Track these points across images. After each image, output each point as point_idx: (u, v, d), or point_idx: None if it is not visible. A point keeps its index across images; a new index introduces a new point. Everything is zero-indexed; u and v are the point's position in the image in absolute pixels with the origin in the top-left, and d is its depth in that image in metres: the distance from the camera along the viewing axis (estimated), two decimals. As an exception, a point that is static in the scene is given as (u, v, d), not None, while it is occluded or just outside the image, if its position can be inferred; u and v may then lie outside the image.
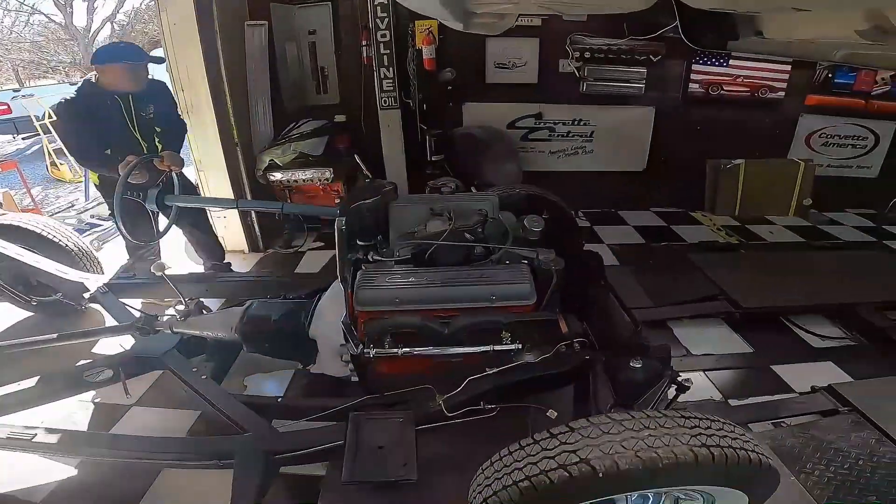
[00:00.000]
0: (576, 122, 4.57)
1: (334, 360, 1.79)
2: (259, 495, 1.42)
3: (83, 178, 4.82)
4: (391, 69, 4.18)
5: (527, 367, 1.61)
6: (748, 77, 4.39)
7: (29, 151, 9.00)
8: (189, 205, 2.83)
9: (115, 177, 2.42)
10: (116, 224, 2.40)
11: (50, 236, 2.69)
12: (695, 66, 4.36)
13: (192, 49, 3.89)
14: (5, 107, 10.55)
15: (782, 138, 4.61)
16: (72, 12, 16.61)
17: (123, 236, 2.36)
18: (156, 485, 1.77)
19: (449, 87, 4.34)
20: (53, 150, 6.85)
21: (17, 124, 10.33)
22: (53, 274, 2.47)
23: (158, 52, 3.48)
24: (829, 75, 4.40)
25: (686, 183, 4.63)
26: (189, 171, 3.16)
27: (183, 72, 4.04)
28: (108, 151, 2.55)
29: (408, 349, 1.62)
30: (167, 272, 2.13)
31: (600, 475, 0.99)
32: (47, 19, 17.41)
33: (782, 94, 4.44)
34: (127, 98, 2.58)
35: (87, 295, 2.54)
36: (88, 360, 2.21)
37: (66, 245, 2.73)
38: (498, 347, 1.63)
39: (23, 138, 10.36)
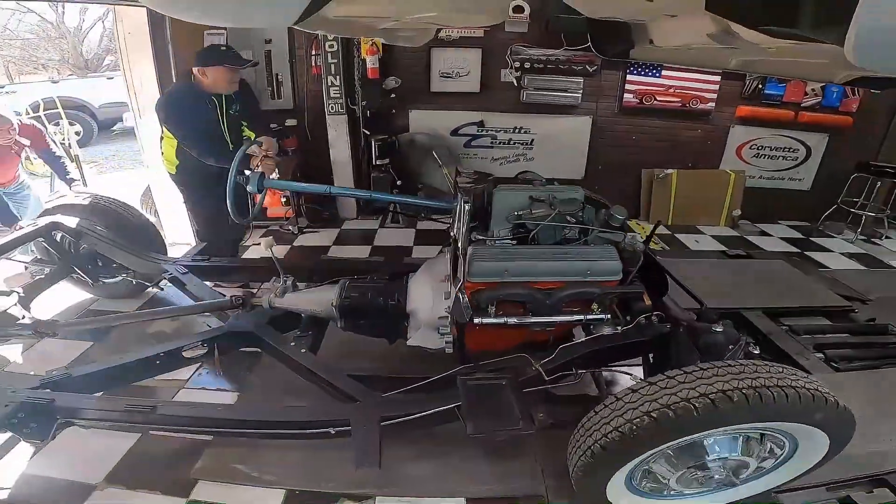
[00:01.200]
0: (517, 130, 4.74)
1: (431, 333, 1.94)
2: (378, 460, 1.49)
3: (49, 174, 4.97)
4: (338, 77, 4.37)
5: (614, 336, 1.80)
6: (679, 87, 4.52)
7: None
8: (285, 187, 3.09)
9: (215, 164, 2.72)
10: (228, 205, 2.42)
11: (127, 217, 2.88)
12: (629, 77, 4.50)
13: (144, 56, 4.12)
14: (-10, 102, 10.67)
15: (714, 149, 4.78)
16: (63, 11, 16.70)
17: (232, 216, 2.43)
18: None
19: (392, 95, 4.50)
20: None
21: (-1, 120, 10.46)
22: (131, 255, 2.64)
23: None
24: (759, 86, 4.53)
25: (622, 191, 4.80)
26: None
27: (137, 77, 4.29)
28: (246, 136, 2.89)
29: (510, 318, 1.77)
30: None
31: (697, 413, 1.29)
32: (39, 18, 17.52)
33: (713, 104, 4.59)
34: (221, 98, 2.82)
35: (166, 275, 2.59)
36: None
37: (140, 226, 2.92)
38: (590, 317, 1.82)
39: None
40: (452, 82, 4.57)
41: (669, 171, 4.66)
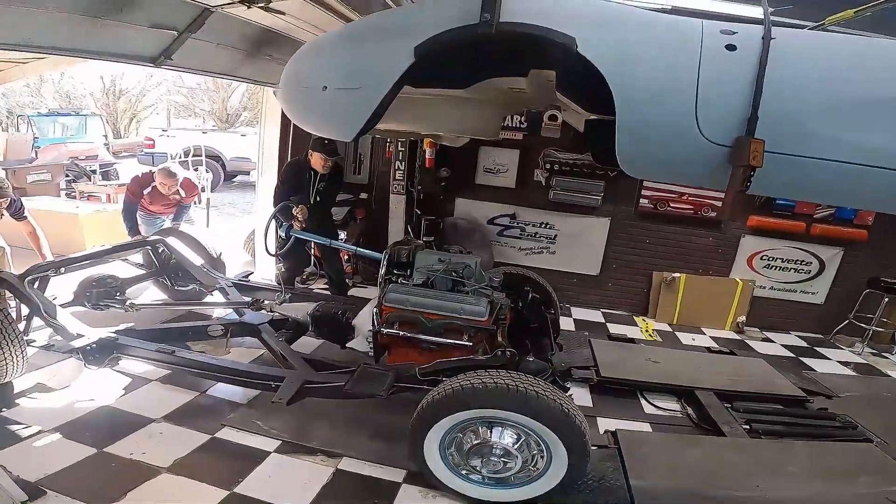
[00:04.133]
0: (543, 226, 5.45)
1: (362, 341, 2.94)
2: (290, 402, 2.46)
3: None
4: (403, 163, 5.50)
5: (474, 359, 2.53)
6: (692, 195, 4.99)
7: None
8: (309, 238, 4.12)
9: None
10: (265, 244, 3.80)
11: (204, 247, 4.25)
12: (646, 183, 5.00)
13: (274, 121, 5.58)
14: (151, 142, 13.50)
15: (726, 256, 5.16)
16: (220, 68, 20.43)
17: (265, 249, 3.74)
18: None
19: (443, 183, 5.51)
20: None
21: (155, 158, 13.18)
22: (200, 271, 3.92)
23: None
24: (771, 197, 4.69)
25: (633, 289, 5.30)
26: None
27: (267, 143, 5.78)
28: (291, 198, 4.00)
29: (404, 332, 2.60)
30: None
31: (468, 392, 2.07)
32: (202, 71, 21.54)
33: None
34: (316, 175, 4.12)
35: (218, 286, 3.81)
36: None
37: (209, 250, 4.28)
38: (458, 342, 2.57)
39: (155, 170, 13.10)
40: (493, 177, 5.46)
41: (677, 275, 5.09)
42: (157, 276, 4.25)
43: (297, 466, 2.46)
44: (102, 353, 2.74)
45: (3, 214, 3.67)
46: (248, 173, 12.50)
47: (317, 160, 4.06)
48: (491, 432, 2.19)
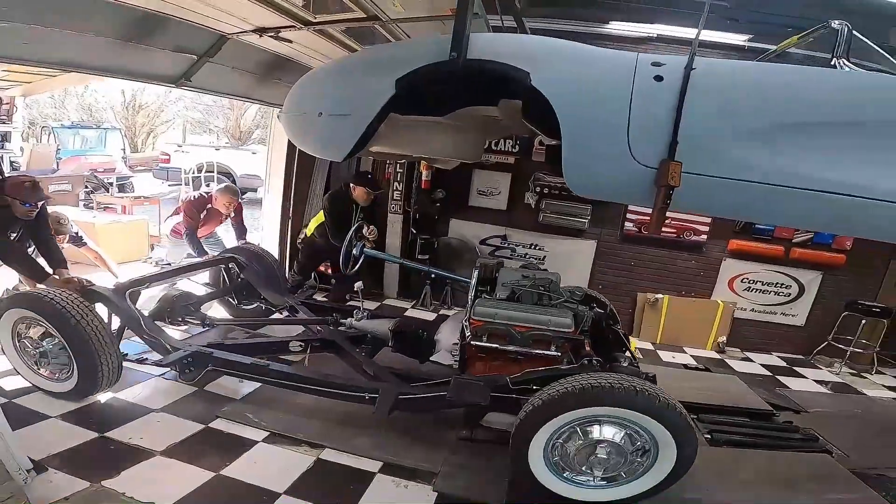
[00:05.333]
0: (532, 247, 5.68)
1: (446, 354, 2.99)
2: (389, 414, 2.58)
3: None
4: (401, 184, 5.81)
5: (562, 368, 2.58)
6: (675, 219, 5.17)
7: (168, 196, 11.94)
8: (379, 257, 4.43)
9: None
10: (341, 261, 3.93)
11: (271, 263, 4.35)
12: (630, 207, 5.16)
13: (282, 146, 5.93)
14: (167, 157, 14.00)
15: (707, 279, 5.36)
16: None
17: (342, 268, 3.86)
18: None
19: (438, 204, 5.79)
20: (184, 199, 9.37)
21: (169, 172, 13.64)
22: (270, 290, 4.01)
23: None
24: (766, 224, 4.88)
25: (619, 309, 5.38)
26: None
27: (274, 162, 6.12)
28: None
29: (495, 345, 2.66)
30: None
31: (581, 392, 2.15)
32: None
33: (705, 237, 5.22)
34: (358, 206, 4.44)
35: (286, 305, 3.91)
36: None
37: (275, 271, 4.36)
38: (546, 352, 2.63)
39: (169, 185, 13.54)
40: (486, 199, 5.73)
41: (661, 296, 5.29)
42: (226, 295, 4.25)
43: (281, 454, 2.66)
44: (198, 367, 2.88)
45: (63, 246, 3.77)
46: (255, 190, 12.90)
47: (360, 193, 4.41)
48: (595, 432, 2.26)
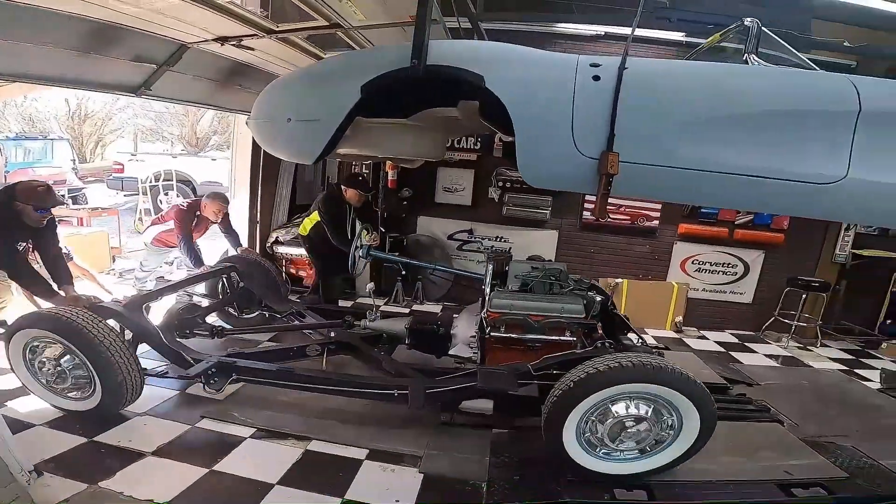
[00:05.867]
0: (498, 239, 5.92)
1: (465, 347, 3.16)
2: (422, 408, 2.76)
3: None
4: (368, 184, 5.93)
5: (577, 352, 2.68)
6: (629, 207, 5.53)
7: (125, 206, 11.57)
8: (387, 258, 4.64)
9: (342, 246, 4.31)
10: (349, 265, 4.16)
11: (269, 269, 4.32)
12: (588, 196, 5.44)
13: (246, 151, 5.94)
14: (120, 166, 13.51)
15: (662, 262, 5.72)
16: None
17: (350, 270, 4.14)
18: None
19: (405, 202, 5.94)
20: (143, 209, 9.12)
21: (124, 182, 13.19)
22: (274, 297, 4.05)
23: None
24: (697, 205, 5.18)
25: None
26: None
27: (237, 166, 6.12)
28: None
29: (513, 334, 2.85)
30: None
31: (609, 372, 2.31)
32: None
33: (657, 222, 5.58)
34: (350, 207, 4.55)
35: (293, 309, 3.99)
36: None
37: (275, 278, 4.33)
38: (562, 338, 2.84)
39: (125, 195, 13.09)
40: (451, 195, 5.92)
41: (620, 280, 5.60)
42: (225, 306, 4.20)
43: (270, 449, 2.76)
44: (222, 377, 2.90)
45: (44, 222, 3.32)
46: (220, 197, 12.60)
47: (352, 195, 4.55)
48: (622, 408, 2.41)
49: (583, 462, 2.49)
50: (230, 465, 2.57)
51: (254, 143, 5.81)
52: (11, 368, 2.87)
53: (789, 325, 5.43)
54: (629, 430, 2.42)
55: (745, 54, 2.29)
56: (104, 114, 21.69)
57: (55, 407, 2.86)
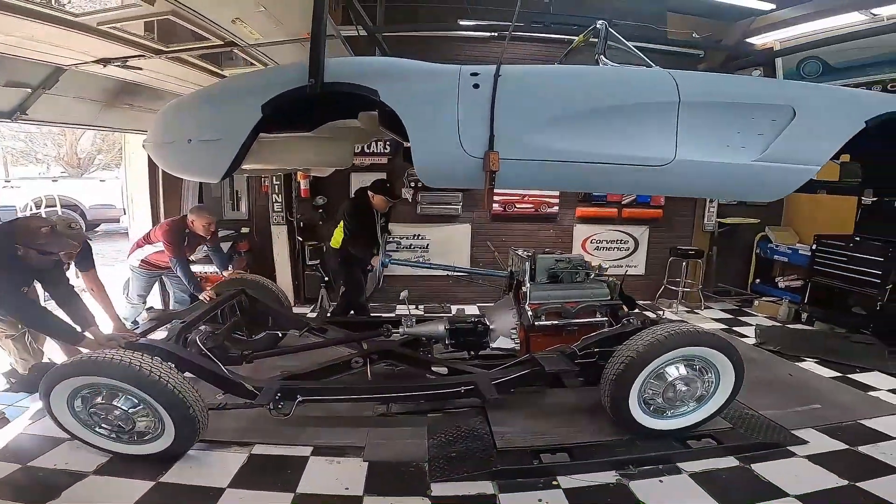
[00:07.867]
0: (415, 237, 6.18)
1: (506, 339, 3.48)
2: (494, 399, 2.88)
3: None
4: (280, 195, 5.90)
5: (612, 329, 3.21)
6: (531, 196, 6.02)
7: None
8: (402, 264, 4.85)
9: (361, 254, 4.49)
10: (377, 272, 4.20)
11: (274, 291, 4.24)
12: (496, 189, 5.99)
13: (141, 169, 5.62)
14: (-8, 195, 11.94)
15: (566, 243, 6.28)
16: (64, 112, 18.47)
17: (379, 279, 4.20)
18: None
19: (320, 210, 6.00)
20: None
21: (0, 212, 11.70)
22: (285, 316, 4.00)
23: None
24: (572, 192, 5.81)
25: (498, 282, 6.17)
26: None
27: (132, 185, 5.79)
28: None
29: (554, 322, 3.33)
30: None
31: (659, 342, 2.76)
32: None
33: (557, 208, 6.13)
34: (378, 213, 4.54)
35: (311, 325, 3.92)
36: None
37: (279, 297, 4.25)
38: (594, 319, 3.36)
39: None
40: (367, 199, 6.10)
41: (530, 262, 6.11)
42: (236, 329, 3.95)
43: (213, 457, 2.79)
44: (288, 401, 2.82)
45: (69, 265, 3.14)
46: (117, 220, 11.65)
47: (380, 201, 4.51)
48: (672, 372, 2.84)
49: (647, 423, 2.89)
50: (176, 475, 2.59)
51: (149, 159, 5.57)
52: (55, 421, 2.64)
53: (675, 292, 6.19)
54: (680, 390, 2.85)
55: (596, 55, 2.70)
56: (-36, 138, 18.89)
57: (117, 454, 2.71)
